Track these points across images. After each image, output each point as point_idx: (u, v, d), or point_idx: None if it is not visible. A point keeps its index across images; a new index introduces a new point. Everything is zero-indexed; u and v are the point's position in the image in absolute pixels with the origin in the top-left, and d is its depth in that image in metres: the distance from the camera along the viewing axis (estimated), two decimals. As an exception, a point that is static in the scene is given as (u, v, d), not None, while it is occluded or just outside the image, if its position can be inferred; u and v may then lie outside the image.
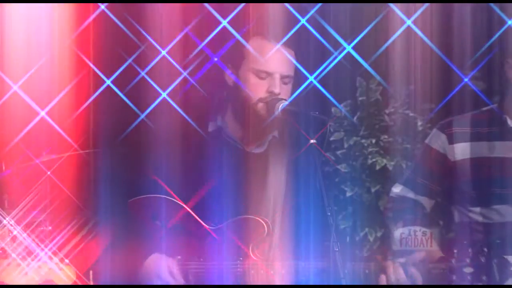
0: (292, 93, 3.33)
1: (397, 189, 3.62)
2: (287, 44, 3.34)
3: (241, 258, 3.22)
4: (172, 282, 3.19)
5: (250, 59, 3.27)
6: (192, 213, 3.22)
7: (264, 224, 3.23)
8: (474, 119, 3.54)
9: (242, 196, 3.25)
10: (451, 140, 3.52)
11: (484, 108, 3.58)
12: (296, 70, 3.42)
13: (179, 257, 3.23)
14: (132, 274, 3.19)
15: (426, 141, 3.61)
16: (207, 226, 3.22)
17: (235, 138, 3.30)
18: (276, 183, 3.33)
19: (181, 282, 3.19)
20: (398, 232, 3.49)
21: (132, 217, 3.24)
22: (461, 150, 3.50)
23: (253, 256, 3.23)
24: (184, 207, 3.21)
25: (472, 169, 3.47)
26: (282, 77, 3.25)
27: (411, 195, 3.57)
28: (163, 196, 3.22)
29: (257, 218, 3.23)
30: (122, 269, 3.19)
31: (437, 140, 3.56)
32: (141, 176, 3.23)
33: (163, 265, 3.19)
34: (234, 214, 3.24)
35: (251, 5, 3.81)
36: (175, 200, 3.21)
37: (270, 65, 3.25)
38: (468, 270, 3.20)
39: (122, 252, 3.20)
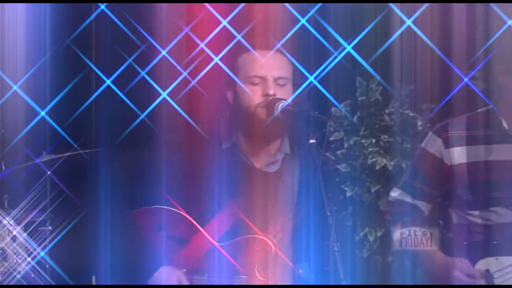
0: (292, 94, 3.33)
1: (395, 193, 3.62)
2: (280, 49, 3.34)
3: (245, 277, 3.22)
4: None
5: (243, 70, 3.29)
6: (200, 227, 3.22)
7: (271, 243, 3.23)
8: (469, 122, 3.53)
9: (252, 214, 3.25)
10: (447, 144, 3.51)
11: (479, 110, 3.58)
12: (297, 72, 3.42)
13: (184, 270, 3.23)
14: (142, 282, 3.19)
15: (422, 145, 3.60)
16: (216, 242, 3.22)
17: (247, 155, 3.31)
18: (288, 200, 3.33)
19: None
20: (398, 234, 3.50)
21: (138, 226, 3.24)
22: (458, 154, 3.49)
23: (258, 276, 3.23)
24: (192, 222, 3.21)
25: (468, 173, 3.47)
26: (276, 79, 3.26)
27: (408, 199, 3.57)
28: (171, 208, 3.22)
29: (263, 237, 3.23)
30: (129, 279, 3.19)
31: (433, 144, 3.55)
32: (151, 190, 3.24)
33: (173, 277, 3.19)
34: (242, 232, 3.23)
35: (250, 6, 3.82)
36: (183, 213, 3.21)
37: (261, 70, 3.27)
38: None
39: (127, 262, 3.20)
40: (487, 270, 3.36)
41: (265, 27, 3.76)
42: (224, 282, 3.21)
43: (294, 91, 3.33)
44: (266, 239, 3.22)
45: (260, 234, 3.22)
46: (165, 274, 3.18)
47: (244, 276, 3.21)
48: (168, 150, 3.28)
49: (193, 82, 3.72)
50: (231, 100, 3.31)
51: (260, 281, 3.22)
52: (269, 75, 3.26)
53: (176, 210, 3.20)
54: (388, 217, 3.60)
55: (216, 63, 3.54)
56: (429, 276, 3.46)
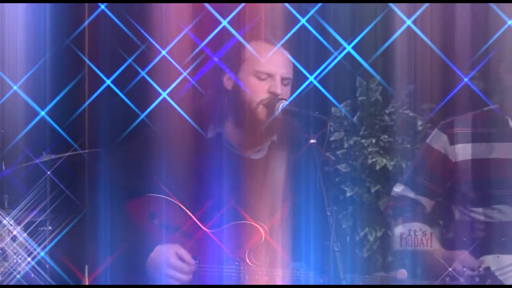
0: (292, 94, 3.33)
1: (398, 189, 3.63)
2: (286, 47, 3.33)
3: (236, 263, 3.22)
4: (184, 267, 3.18)
5: (250, 61, 3.27)
6: (191, 214, 3.22)
7: (261, 230, 3.23)
8: (475, 119, 3.54)
9: (241, 202, 3.25)
10: (452, 141, 3.53)
11: (486, 108, 3.59)
12: (295, 71, 3.42)
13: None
14: (139, 270, 3.18)
15: (427, 141, 3.61)
16: (206, 229, 3.22)
17: (234, 144, 3.30)
18: (275, 187, 3.33)
19: (192, 263, 3.19)
20: (398, 230, 3.50)
21: (130, 217, 3.24)
22: (462, 151, 3.50)
23: (248, 262, 3.23)
24: (183, 209, 3.21)
25: (473, 170, 3.48)
26: (283, 79, 3.25)
27: (411, 195, 3.58)
28: (162, 196, 3.22)
29: (254, 223, 3.23)
30: (125, 269, 3.19)
31: (438, 140, 3.56)
32: (141, 180, 3.23)
33: (170, 251, 3.19)
34: (232, 219, 3.24)
35: (250, 5, 3.81)
36: (174, 201, 3.21)
37: (271, 66, 3.25)
38: None
39: (122, 253, 3.19)
40: (488, 268, 3.36)
41: (271, 20, 3.75)
42: (216, 268, 3.21)
43: (293, 89, 3.33)
44: (256, 225, 3.22)
45: (250, 220, 3.22)
46: (160, 252, 3.18)
47: (236, 263, 3.21)
48: (156, 141, 3.28)
49: (193, 82, 3.71)
50: (231, 86, 3.29)
51: (251, 267, 3.22)
52: (278, 74, 3.25)
53: (167, 198, 3.21)
54: (390, 212, 3.60)
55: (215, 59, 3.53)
56: (429, 272, 3.45)
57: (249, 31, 3.45)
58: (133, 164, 3.25)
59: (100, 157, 3.41)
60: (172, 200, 3.21)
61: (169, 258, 3.18)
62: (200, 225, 3.21)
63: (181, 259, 3.19)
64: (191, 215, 3.21)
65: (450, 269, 3.26)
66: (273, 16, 3.75)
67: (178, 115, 3.36)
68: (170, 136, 3.28)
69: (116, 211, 3.20)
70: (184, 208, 3.21)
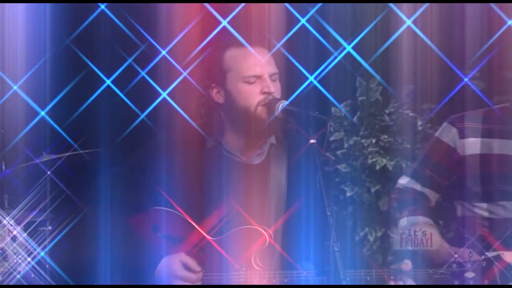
0: (291, 94, 3.33)
1: (403, 181, 3.63)
2: (260, 44, 3.33)
3: (243, 268, 3.22)
4: (190, 276, 3.18)
5: (235, 69, 3.27)
6: (194, 224, 3.22)
7: (265, 234, 3.23)
8: (486, 116, 3.56)
9: (244, 207, 3.25)
10: (462, 135, 3.54)
11: (497, 105, 3.60)
12: (295, 71, 3.42)
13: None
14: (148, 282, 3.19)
15: (436, 134, 3.62)
16: (209, 237, 3.22)
17: (234, 151, 3.30)
18: (277, 190, 3.33)
19: (198, 270, 3.19)
20: (403, 222, 3.51)
21: (133, 230, 3.24)
22: (471, 145, 3.52)
23: (255, 266, 3.23)
24: (186, 219, 3.21)
25: (480, 164, 3.49)
26: (270, 76, 3.26)
27: (417, 187, 3.59)
28: (165, 208, 3.22)
29: (258, 227, 3.23)
30: (131, 280, 3.20)
31: (448, 133, 3.57)
32: (143, 193, 3.24)
33: (175, 262, 3.19)
34: (236, 225, 3.24)
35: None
36: (177, 212, 3.21)
37: (257, 68, 3.25)
38: (470, 275, 3.21)
39: (126, 265, 3.19)
40: (498, 255, 3.33)
41: (256, 23, 3.76)
42: (222, 276, 3.21)
43: (292, 89, 3.33)
44: (260, 230, 3.22)
45: (254, 224, 3.22)
46: (166, 264, 3.18)
47: (242, 268, 3.21)
48: (156, 152, 3.28)
49: (193, 82, 3.71)
50: (222, 99, 3.29)
51: (257, 270, 3.22)
52: (266, 73, 3.25)
53: (170, 210, 3.21)
54: (395, 204, 3.61)
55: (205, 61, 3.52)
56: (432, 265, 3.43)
57: (226, 38, 3.46)
58: (133, 177, 3.26)
59: (106, 163, 3.40)
60: (176, 211, 3.21)
61: (175, 269, 3.18)
62: (203, 233, 3.21)
63: (186, 268, 3.19)
64: (194, 223, 3.21)
65: (456, 255, 3.25)
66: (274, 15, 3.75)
67: (179, 123, 3.36)
68: (171, 147, 3.28)
69: (119, 226, 3.21)
70: (187, 217, 3.21)
